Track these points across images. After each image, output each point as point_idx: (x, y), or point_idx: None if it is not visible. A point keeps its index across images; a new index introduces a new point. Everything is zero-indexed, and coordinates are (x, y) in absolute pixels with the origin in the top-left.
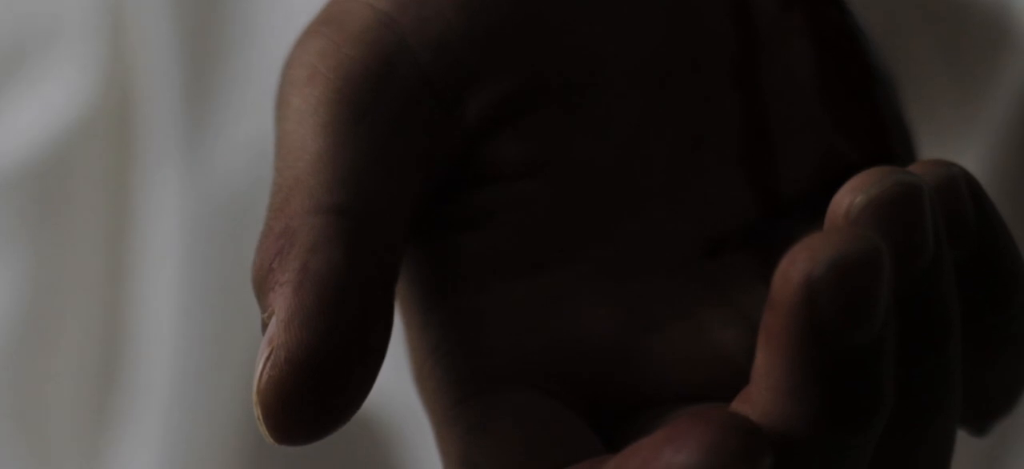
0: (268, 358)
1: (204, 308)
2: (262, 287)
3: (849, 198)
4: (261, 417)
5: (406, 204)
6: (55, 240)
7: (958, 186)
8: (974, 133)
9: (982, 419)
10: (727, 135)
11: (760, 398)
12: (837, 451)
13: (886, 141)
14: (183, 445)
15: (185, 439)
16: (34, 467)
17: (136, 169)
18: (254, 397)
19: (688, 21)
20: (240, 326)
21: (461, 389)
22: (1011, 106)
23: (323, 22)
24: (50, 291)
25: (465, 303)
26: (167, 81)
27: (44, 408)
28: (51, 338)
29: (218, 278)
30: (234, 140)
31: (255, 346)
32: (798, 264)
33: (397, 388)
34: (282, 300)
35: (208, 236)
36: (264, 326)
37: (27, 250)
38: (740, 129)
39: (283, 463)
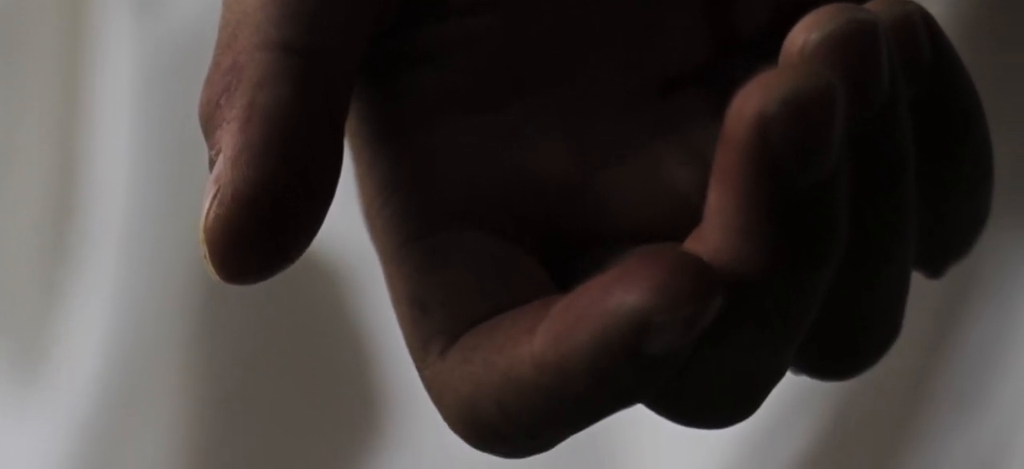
0: (215, 196)
1: (158, 151)
2: (209, 124)
3: (804, 35)
4: (207, 256)
5: (356, 40)
6: (8, 85)
7: (915, 24)
8: None
9: (937, 261)
10: None
11: (712, 237)
12: (789, 291)
13: None
14: (137, 288)
15: (139, 282)
16: None
17: (90, 12)
18: (200, 235)
19: None
20: (194, 170)
21: (410, 227)
22: None
23: None
24: (3, 135)
25: (415, 141)
26: None
27: None
28: (4, 182)
29: (171, 121)
30: None
31: None
32: (751, 100)
33: (347, 229)
34: (229, 137)
35: (162, 79)
36: (211, 164)
37: None
38: None
39: (235, 306)
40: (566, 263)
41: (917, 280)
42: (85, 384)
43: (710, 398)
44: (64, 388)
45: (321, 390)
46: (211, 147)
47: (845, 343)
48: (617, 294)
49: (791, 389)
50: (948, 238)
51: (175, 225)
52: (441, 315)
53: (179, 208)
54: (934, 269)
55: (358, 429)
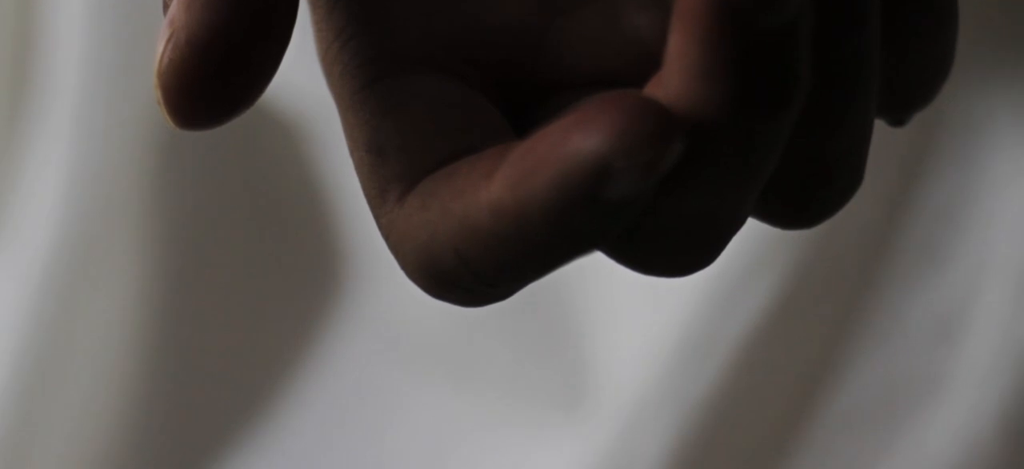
0: (169, 40)
1: (112, 3)
2: None
3: None
4: (161, 100)
5: None
6: None
7: None
8: None
9: (900, 109)
10: None
11: (672, 81)
12: (750, 136)
13: None
14: (93, 145)
15: (95, 139)
16: None
17: None
18: (154, 81)
19: None
20: (149, 23)
21: (368, 72)
22: None
23: None
24: None
25: None
26: None
27: None
28: None
29: None
30: None
31: None
32: None
33: (304, 82)
34: None
35: None
36: (165, 7)
37: None
38: None
39: (192, 161)
40: (526, 110)
41: (882, 130)
42: (43, 242)
43: (670, 245)
44: (22, 247)
45: (279, 244)
46: None
47: (807, 191)
48: (576, 139)
49: (752, 246)
50: (911, 85)
51: (131, 81)
52: (398, 161)
53: (134, 63)
54: (897, 117)
55: (317, 283)
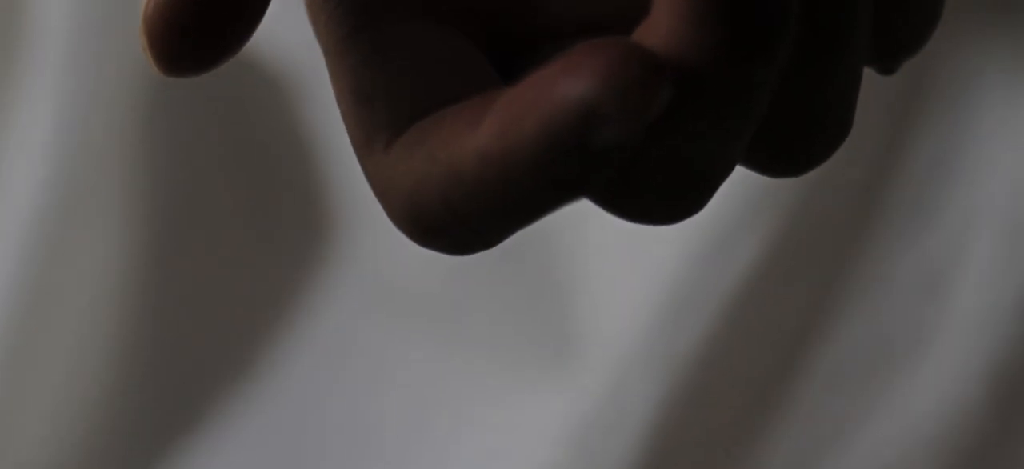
0: None
1: None
2: None
3: None
4: (147, 47)
5: None
6: None
7: None
8: None
9: (889, 57)
10: None
11: (660, 27)
12: (738, 82)
13: None
14: (81, 92)
15: (83, 87)
16: None
17: None
18: (140, 27)
19: None
20: None
21: (355, 19)
22: None
23: None
24: None
25: None
26: None
27: None
28: None
29: None
30: None
31: None
32: None
33: (291, 32)
34: None
35: None
36: None
37: None
38: None
39: (179, 110)
40: (514, 59)
41: (870, 84)
42: (30, 196)
43: (657, 192)
44: (9, 201)
45: (266, 196)
46: None
47: (796, 138)
48: (563, 85)
49: (740, 200)
50: (900, 33)
51: (118, 34)
52: (385, 108)
53: (121, 15)
54: (886, 65)
55: (304, 234)
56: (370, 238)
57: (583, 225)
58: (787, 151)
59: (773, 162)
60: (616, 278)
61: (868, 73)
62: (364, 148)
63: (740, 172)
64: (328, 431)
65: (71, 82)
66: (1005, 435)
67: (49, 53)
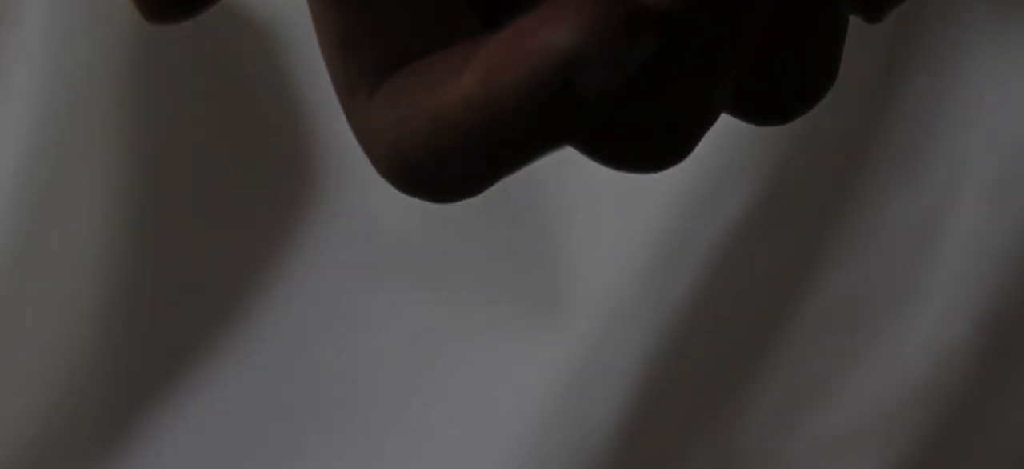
0: None
1: None
2: None
3: None
4: None
5: None
6: None
7: None
8: None
9: (874, 5)
10: None
11: None
12: (722, 28)
13: None
14: (66, 44)
15: (68, 39)
16: None
17: None
18: None
19: None
20: None
21: None
22: None
23: None
24: None
25: None
26: None
27: None
28: None
29: None
30: None
31: None
32: None
33: None
34: None
35: None
36: None
37: None
38: None
39: (163, 61)
40: (496, 6)
41: (857, 34)
42: (15, 146)
43: (642, 139)
44: None
45: (252, 147)
46: None
47: (782, 86)
48: (547, 31)
49: (728, 151)
50: None
51: None
52: (368, 56)
53: None
54: (872, 13)
55: (290, 185)
56: (357, 187)
57: (571, 175)
58: (774, 99)
59: (760, 110)
60: (603, 228)
61: (854, 22)
62: (348, 96)
63: (727, 121)
64: (315, 381)
65: (55, 31)
66: (992, 383)
67: (34, 4)
